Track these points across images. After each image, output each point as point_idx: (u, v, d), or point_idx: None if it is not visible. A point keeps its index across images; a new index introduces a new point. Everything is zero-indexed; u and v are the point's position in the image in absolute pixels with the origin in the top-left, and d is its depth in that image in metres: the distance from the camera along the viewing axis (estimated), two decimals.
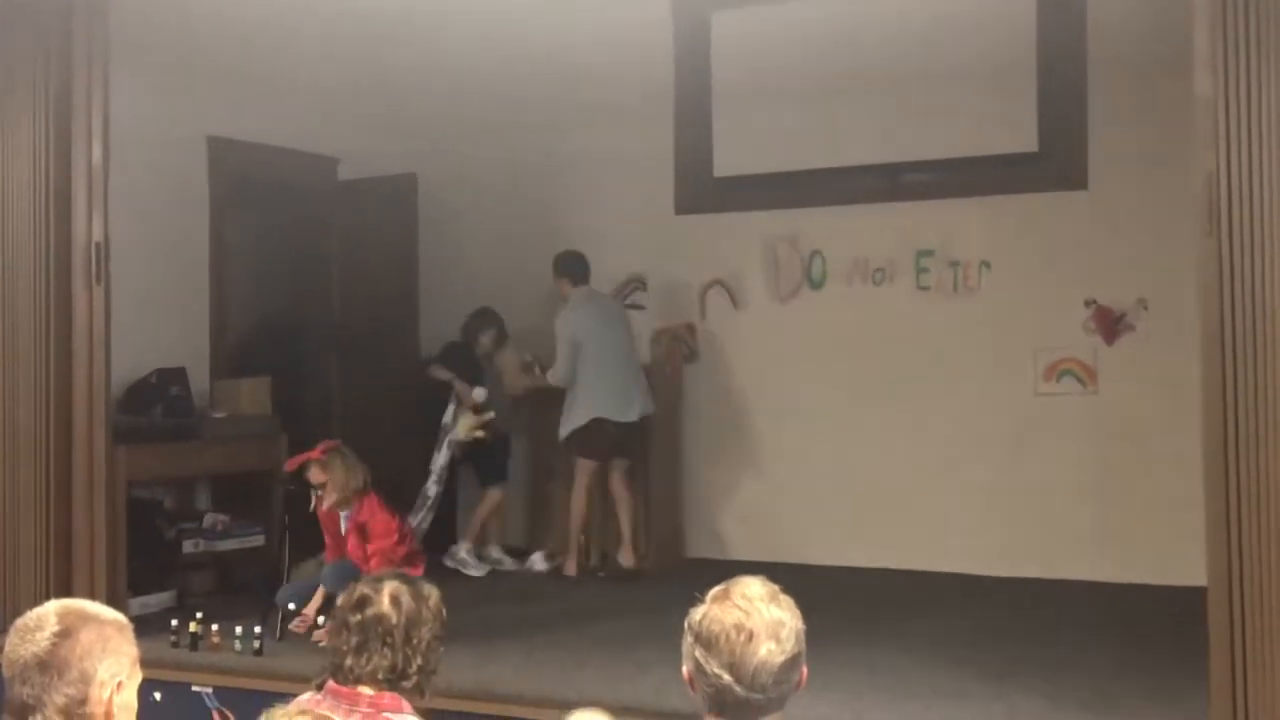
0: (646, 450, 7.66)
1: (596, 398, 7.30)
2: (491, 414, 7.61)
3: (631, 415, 7.33)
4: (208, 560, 6.94)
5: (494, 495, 7.79)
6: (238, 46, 7.34)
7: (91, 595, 4.67)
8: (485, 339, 7.85)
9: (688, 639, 2.48)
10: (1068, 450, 7.20)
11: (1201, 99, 4.08)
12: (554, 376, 7.46)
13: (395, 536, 6.08)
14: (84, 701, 2.34)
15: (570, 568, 7.39)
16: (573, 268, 7.52)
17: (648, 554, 7.57)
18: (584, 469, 7.38)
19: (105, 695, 2.35)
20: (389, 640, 2.99)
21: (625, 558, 7.47)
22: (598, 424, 7.28)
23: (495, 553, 7.81)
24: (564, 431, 7.41)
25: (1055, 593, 6.84)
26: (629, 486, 7.54)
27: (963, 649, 5.54)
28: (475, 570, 7.57)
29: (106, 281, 5.53)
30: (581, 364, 7.32)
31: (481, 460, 7.77)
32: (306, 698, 3.05)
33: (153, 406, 6.73)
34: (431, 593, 3.14)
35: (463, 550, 7.64)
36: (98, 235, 5.53)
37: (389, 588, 3.07)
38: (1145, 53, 6.71)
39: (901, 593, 6.96)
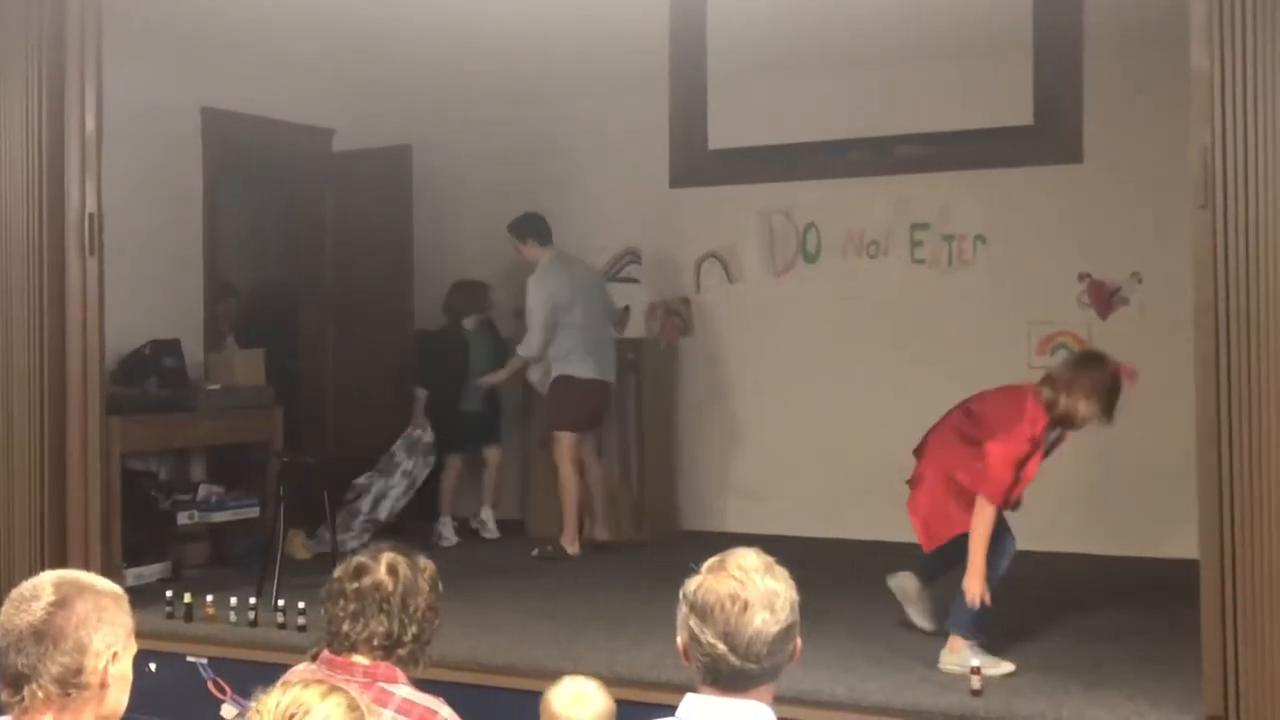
0: (641, 421, 7.70)
1: (560, 358, 7.21)
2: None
3: (600, 375, 7.24)
4: (202, 532, 6.95)
5: (455, 463, 7.79)
6: (233, 17, 7.31)
7: (86, 566, 4.67)
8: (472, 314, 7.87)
9: (682, 609, 2.48)
10: None
11: (1197, 72, 4.07)
12: (525, 348, 7.28)
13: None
14: (79, 671, 2.32)
15: (572, 544, 7.32)
16: (538, 228, 7.34)
17: (620, 526, 7.59)
18: (564, 444, 7.21)
19: (100, 665, 2.34)
20: (385, 607, 3.02)
21: (600, 531, 7.47)
22: (564, 383, 7.19)
23: (491, 521, 7.86)
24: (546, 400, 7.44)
25: (1046, 565, 6.84)
26: (599, 459, 7.52)
27: None
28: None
29: (100, 252, 5.50)
30: (557, 330, 7.20)
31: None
32: (302, 668, 3.06)
33: (147, 378, 6.73)
34: (428, 565, 3.17)
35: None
36: (91, 206, 5.50)
37: (386, 558, 3.11)
38: (1141, 26, 6.69)
39: (894, 565, 6.96)
